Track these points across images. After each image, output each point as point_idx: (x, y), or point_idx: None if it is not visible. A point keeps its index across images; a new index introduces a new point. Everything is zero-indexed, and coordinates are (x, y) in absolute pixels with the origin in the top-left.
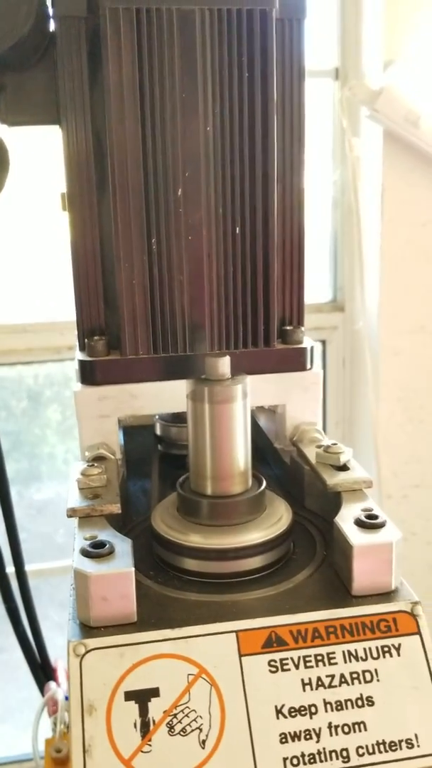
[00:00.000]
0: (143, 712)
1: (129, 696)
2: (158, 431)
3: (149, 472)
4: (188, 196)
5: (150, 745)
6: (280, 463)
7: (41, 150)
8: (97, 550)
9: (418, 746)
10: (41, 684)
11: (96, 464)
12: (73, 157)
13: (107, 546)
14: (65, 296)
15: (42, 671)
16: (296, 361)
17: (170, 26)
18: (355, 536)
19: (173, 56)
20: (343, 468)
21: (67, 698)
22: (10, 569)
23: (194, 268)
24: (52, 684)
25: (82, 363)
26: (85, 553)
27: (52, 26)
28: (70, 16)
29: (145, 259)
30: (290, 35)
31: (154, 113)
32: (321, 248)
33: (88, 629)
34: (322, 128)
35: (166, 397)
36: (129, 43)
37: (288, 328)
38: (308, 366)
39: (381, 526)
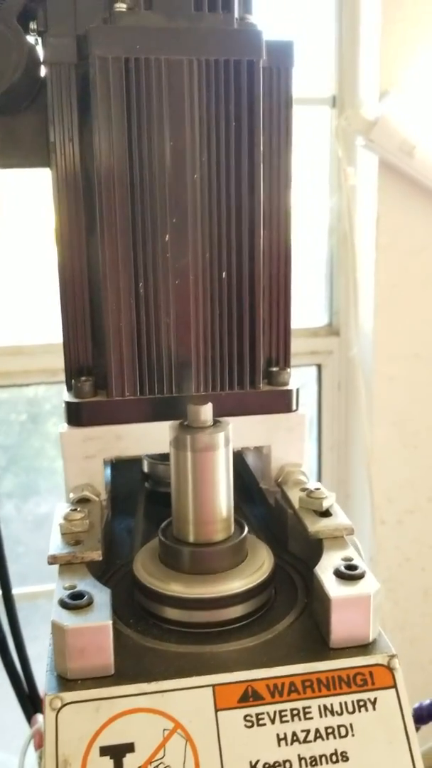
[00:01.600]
0: (118, 767)
1: (104, 751)
2: (145, 468)
3: (135, 511)
4: (175, 242)
5: None
6: (265, 504)
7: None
8: (75, 602)
9: None
10: (29, 715)
11: (79, 508)
12: (62, 199)
13: (86, 597)
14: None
15: (30, 702)
16: (281, 403)
17: (159, 75)
18: (333, 588)
19: (162, 104)
20: (326, 514)
21: None
22: None
23: (181, 311)
24: (39, 717)
25: (68, 404)
26: (63, 605)
27: (43, 71)
28: (61, 63)
29: (133, 302)
30: (278, 83)
31: (143, 160)
32: (317, 273)
33: (64, 681)
34: (318, 155)
35: (151, 438)
36: (118, 90)
37: (274, 369)
38: (293, 407)
39: (360, 577)
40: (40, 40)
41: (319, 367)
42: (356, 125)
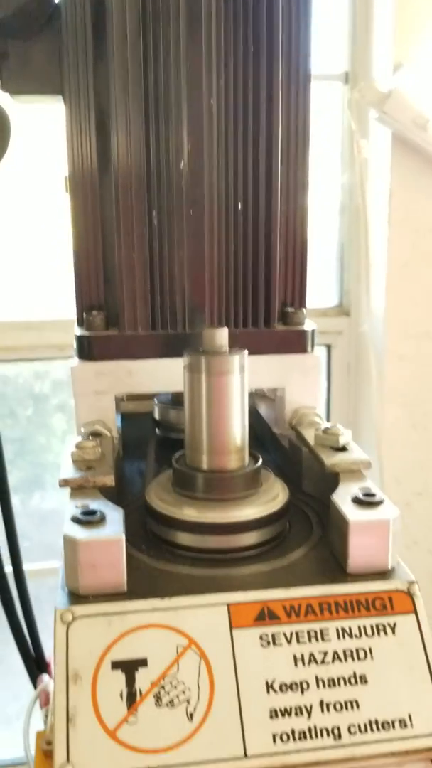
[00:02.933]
0: (130, 682)
1: (116, 665)
2: (156, 415)
3: (146, 455)
4: (191, 170)
5: (136, 716)
6: (278, 448)
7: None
8: (87, 517)
9: (412, 727)
10: (34, 677)
11: (91, 438)
12: (75, 129)
13: (98, 514)
14: (69, 294)
15: (35, 664)
16: (296, 343)
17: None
18: (351, 513)
19: (178, 28)
20: (342, 449)
21: None
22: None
23: (195, 243)
24: (45, 676)
25: (79, 338)
26: (75, 520)
27: None
28: None
29: (146, 232)
30: (297, 12)
31: (158, 85)
32: (327, 252)
33: (76, 597)
34: (330, 132)
35: (162, 375)
36: (134, 15)
37: (290, 309)
38: (309, 349)
39: (378, 503)
40: None
41: (328, 347)
42: (370, 98)
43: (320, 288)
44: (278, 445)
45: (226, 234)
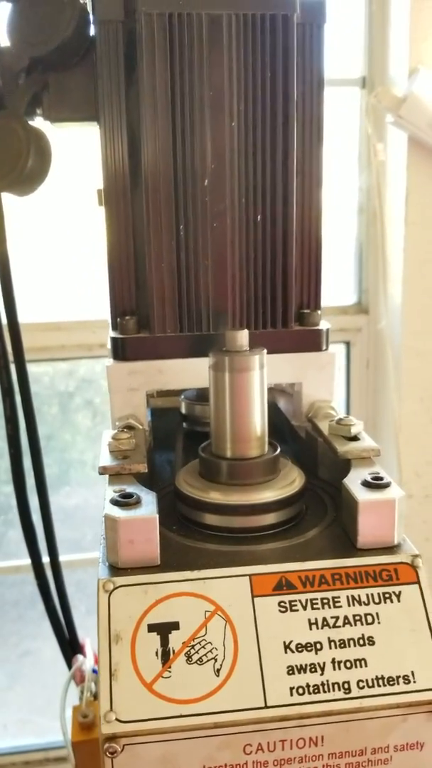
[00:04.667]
0: (164, 642)
1: (152, 628)
2: (183, 410)
3: (174, 446)
4: (214, 186)
5: (170, 672)
6: (296, 439)
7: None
8: (125, 500)
9: (414, 682)
10: (69, 658)
11: (126, 430)
12: (109, 151)
13: (134, 497)
14: (96, 297)
15: (70, 646)
16: (312, 342)
17: (200, 30)
18: (361, 494)
19: (202, 57)
20: (354, 438)
21: (95, 671)
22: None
23: (218, 253)
24: (79, 656)
25: (114, 340)
26: (114, 502)
27: (92, 30)
28: (109, 20)
29: (174, 244)
30: (311, 38)
31: (184, 110)
32: (346, 252)
33: (116, 570)
34: (348, 137)
35: (190, 373)
36: (162, 45)
37: (306, 311)
38: (323, 347)
39: (386, 486)
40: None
41: (348, 344)
42: (386, 102)
43: (340, 286)
44: (296, 436)
45: (246, 244)
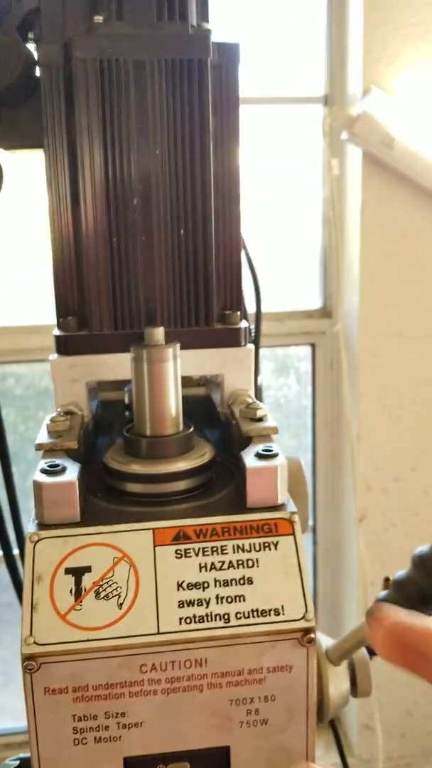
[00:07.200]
0: (78, 582)
1: (68, 571)
2: (126, 400)
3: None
4: (142, 205)
5: (81, 606)
6: (219, 424)
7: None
8: (52, 469)
9: (283, 614)
10: None
11: (63, 415)
12: (53, 173)
13: (60, 466)
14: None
15: None
16: (232, 338)
17: (127, 72)
18: (250, 461)
19: (129, 95)
20: (259, 420)
21: None
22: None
23: (147, 262)
24: None
25: (57, 337)
26: (42, 471)
27: (38, 72)
28: (51, 65)
29: (108, 254)
30: (227, 77)
31: (114, 140)
32: (312, 260)
33: (41, 525)
34: (313, 151)
35: (124, 366)
36: (94, 85)
37: (227, 312)
38: (242, 343)
39: (273, 456)
40: (35, 46)
41: (313, 346)
42: (340, 120)
43: (306, 292)
44: (219, 421)
45: (172, 254)
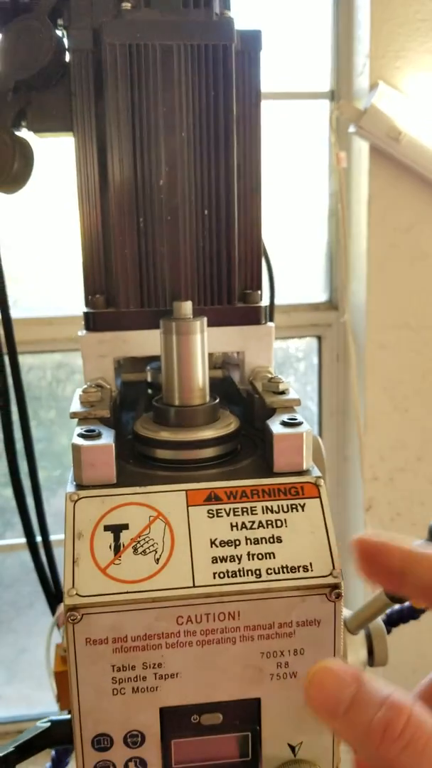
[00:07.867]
0: (116, 539)
1: (107, 528)
2: (149, 378)
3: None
4: (168, 186)
5: (120, 560)
6: (241, 399)
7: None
8: (88, 433)
9: (312, 571)
10: (54, 608)
11: (95, 387)
12: (82, 157)
13: (96, 431)
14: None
15: (55, 599)
16: (253, 317)
17: (154, 57)
18: (277, 429)
19: (156, 80)
20: (282, 393)
21: None
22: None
23: (172, 241)
24: (62, 605)
25: (86, 314)
26: (80, 435)
27: (67, 57)
28: (81, 50)
29: (135, 234)
30: (249, 63)
31: (142, 123)
32: (318, 253)
33: (80, 486)
34: (320, 146)
35: (150, 342)
36: (123, 70)
37: (248, 291)
38: (262, 321)
39: (299, 424)
40: (65, 32)
41: (319, 338)
42: (348, 114)
43: (312, 285)
44: (240, 397)
45: (196, 234)
